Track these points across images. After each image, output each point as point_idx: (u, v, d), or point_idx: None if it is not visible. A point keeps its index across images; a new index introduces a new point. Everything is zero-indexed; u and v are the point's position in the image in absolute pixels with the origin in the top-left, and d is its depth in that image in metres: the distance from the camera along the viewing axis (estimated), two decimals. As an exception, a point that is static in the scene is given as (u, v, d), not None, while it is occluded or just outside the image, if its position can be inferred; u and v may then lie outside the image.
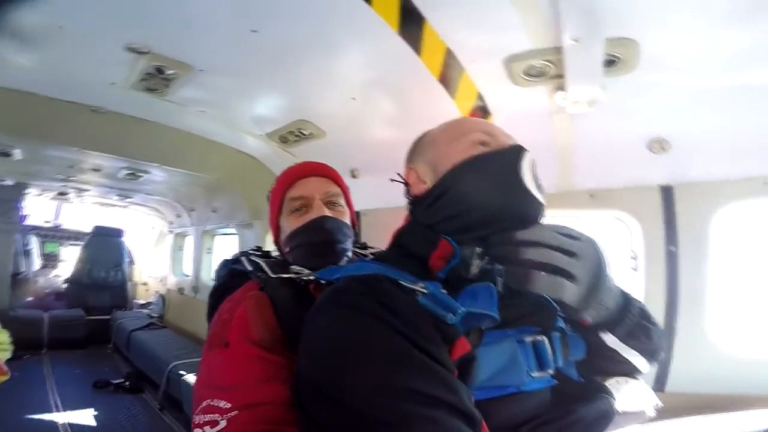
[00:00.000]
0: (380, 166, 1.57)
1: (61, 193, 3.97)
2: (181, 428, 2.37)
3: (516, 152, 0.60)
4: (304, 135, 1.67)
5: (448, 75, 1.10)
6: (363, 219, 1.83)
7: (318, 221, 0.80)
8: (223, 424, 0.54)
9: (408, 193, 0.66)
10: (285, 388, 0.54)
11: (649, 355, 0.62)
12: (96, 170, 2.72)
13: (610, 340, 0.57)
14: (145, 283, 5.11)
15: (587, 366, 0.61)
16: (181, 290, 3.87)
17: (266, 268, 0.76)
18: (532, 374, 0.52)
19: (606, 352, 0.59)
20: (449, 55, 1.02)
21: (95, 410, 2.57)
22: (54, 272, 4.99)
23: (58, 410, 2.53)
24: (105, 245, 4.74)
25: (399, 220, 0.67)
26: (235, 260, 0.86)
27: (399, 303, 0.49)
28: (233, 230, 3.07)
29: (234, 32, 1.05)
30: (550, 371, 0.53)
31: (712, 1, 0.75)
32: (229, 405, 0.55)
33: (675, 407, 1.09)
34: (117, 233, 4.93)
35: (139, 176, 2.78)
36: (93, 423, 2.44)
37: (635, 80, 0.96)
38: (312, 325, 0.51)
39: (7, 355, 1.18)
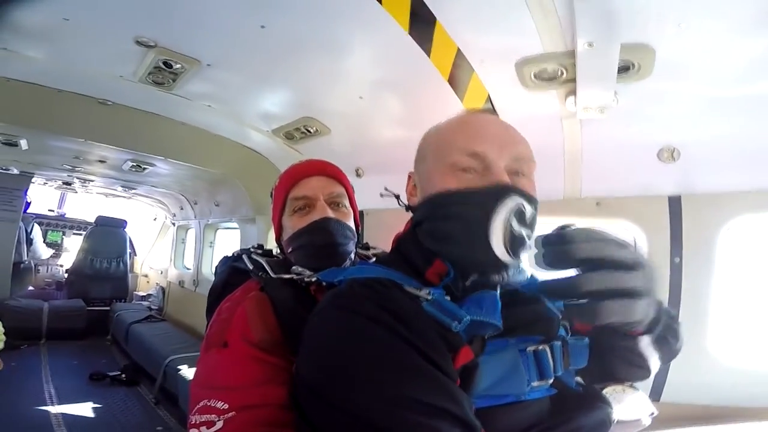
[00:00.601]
0: (385, 165, 1.57)
1: (66, 183, 3.99)
2: (175, 423, 2.37)
3: (493, 199, 0.50)
4: (310, 132, 1.66)
5: (458, 76, 1.09)
6: (366, 219, 1.82)
7: (321, 223, 0.79)
8: (219, 425, 0.54)
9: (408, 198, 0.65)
10: (283, 390, 0.54)
11: (668, 359, 0.61)
12: (101, 162, 2.73)
13: (644, 343, 0.55)
14: (145, 275, 5.12)
15: (595, 371, 0.60)
16: (181, 283, 3.88)
17: (267, 268, 0.75)
18: (532, 383, 0.52)
19: (622, 354, 0.59)
20: (459, 56, 1.01)
21: (90, 402, 2.57)
22: (56, 262, 5.01)
23: (52, 401, 2.53)
24: (107, 236, 4.73)
25: (403, 221, 0.66)
26: (236, 258, 0.85)
27: (403, 308, 0.48)
28: (235, 225, 3.07)
29: (243, 28, 1.04)
30: (550, 381, 0.53)
31: (733, 7, 0.74)
32: (226, 406, 0.55)
33: (670, 417, 1.09)
34: (120, 224, 4.93)
35: (144, 168, 2.80)
36: (87, 415, 2.44)
37: (649, 87, 0.95)
38: (313, 329, 0.50)
39: (0, 345, 1.18)
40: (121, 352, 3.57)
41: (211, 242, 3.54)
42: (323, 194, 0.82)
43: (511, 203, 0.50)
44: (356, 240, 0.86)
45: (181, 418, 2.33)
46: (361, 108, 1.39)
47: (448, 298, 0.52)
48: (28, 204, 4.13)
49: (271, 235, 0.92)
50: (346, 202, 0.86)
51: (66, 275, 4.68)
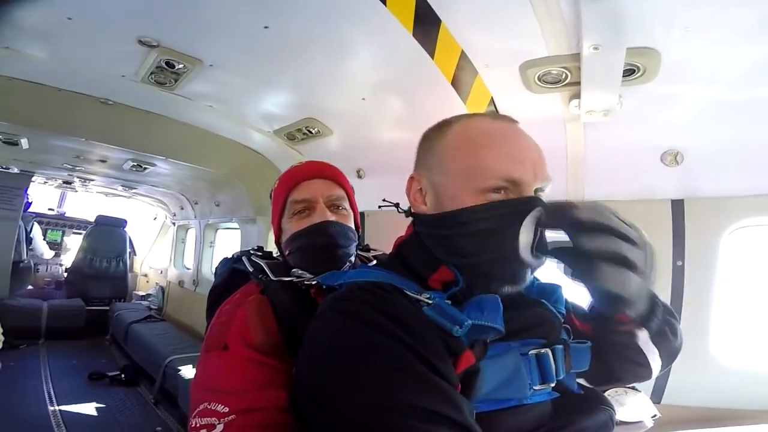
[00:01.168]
0: (387, 167, 1.56)
1: (67, 182, 3.99)
2: (175, 423, 2.36)
3: (524, 209, 0.52)
4: (312, 133, 1.66)
5: (461, 78, 1.08)
6: (367, 220, 1.82)
7: (320, 226, 0.79)
8: (220, 428, 0.54)
9: (409, 201, 0.64)
10: (284, 393, 0.54)
11: (669, 357, 0.62)
12: (102, 161, 2.73)
13: (643, 338, 0.56)
14: (145, 275, 5.11)
15: (597, 372, 0.60)
16: (181, 283, 3.87)
17: (267, 270, 0.74)
18: (535, 387, 0.51)
19: (622, 351, 0.59)
20: (464, 57, 1.00)
21: (89, 402, 2.56)
22: (56, 261, 5.00)
23: (51, 401, 2.52)
24: (107, 235, 4.72)
25: (404, 224, 0.65)
26: (236, 259, 0.84)
27: (404, 313, 0.48)
28: (236, 225, 3.07)
29: (246, 28, 1.04)
30: (552, 384, 0.53)
31: (739, 12, 0.73)
32: (226, 409, 0.55)
33: (672, 419, 1.09)
34: (119, 223, 4.92)
35: (145, 168, 2.80)
36: (85, 415, 2.43)
37: (653, 91, 0.95)
38: (313, 333, 0.50)
39: None
40: (121, 351, 3.56)
41: (211, 242, 3.54)
42: (323, 197, 0.82)
43: (536, 213, 0.52)
44: (357, 242, 0.85)
45: (180, 419, 2.31)
46: (364, 109, 1.39)
47: (449, 302, 0.52)
48: (29, 204, 4.12)
49: (272, 236, 0.91)
50: (346, 204, 0.85)
51: (65, 274, 4.68)
